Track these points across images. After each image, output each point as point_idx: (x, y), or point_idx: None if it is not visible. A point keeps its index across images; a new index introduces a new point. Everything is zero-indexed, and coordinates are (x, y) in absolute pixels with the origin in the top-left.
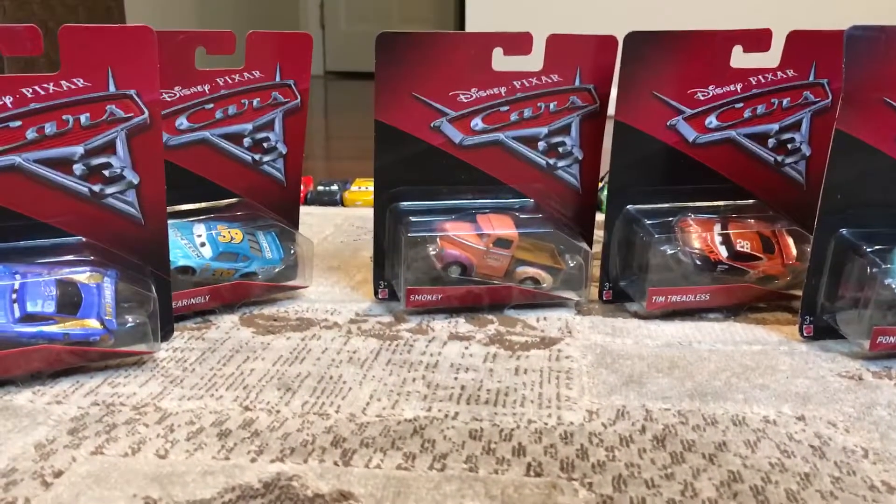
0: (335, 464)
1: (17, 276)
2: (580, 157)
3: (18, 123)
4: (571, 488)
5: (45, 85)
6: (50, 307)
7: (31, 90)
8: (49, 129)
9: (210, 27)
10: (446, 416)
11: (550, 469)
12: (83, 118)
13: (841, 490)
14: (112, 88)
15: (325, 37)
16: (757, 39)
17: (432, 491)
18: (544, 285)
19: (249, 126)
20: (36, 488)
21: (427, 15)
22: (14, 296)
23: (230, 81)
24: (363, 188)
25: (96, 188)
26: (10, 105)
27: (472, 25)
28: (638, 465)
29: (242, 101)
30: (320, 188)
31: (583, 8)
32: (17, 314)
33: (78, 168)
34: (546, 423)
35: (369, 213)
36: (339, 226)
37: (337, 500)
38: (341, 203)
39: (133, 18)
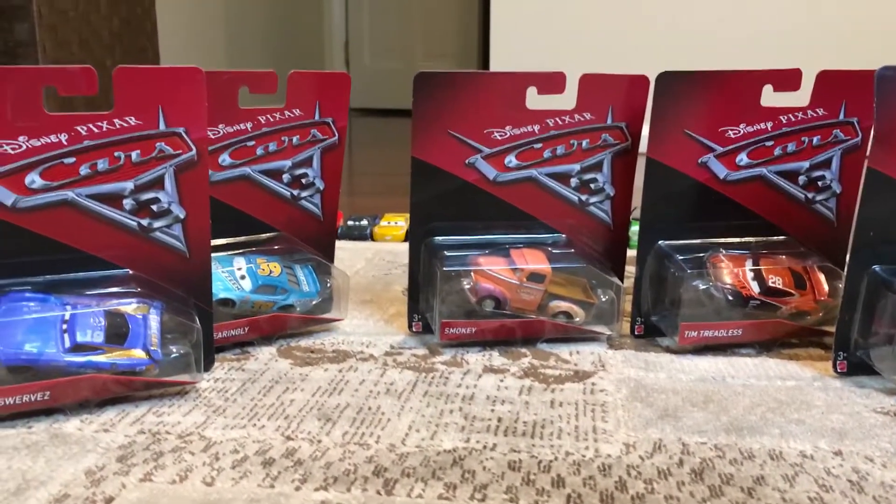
0: (378, 493)
1: (68, 308)
2: (612, 194)
3: (73, 160)
4: None
5: (99, 123)
6: (99, 338)
7: (85, 128)
8: (101, 165)
9: (238, 64)
10: (485, 447)
11: (590, 501)
12: (134, 155)
13: None
14: (162, 126)
15: (350, 74)
16: (787, 79)
17: None
18: (577, 319)
19: (289, 162)
20: None
21: (451, 51)
22: (65, 326)
23: (271, 119)
24: (392, 223)
25: (144, 222)
26: (65, 142)
27: (496, 62)
28: (677, 498)
29: (283, 138)
30: (350, 223)
31: (605, 46)
32: (68, 344)
33: (128, 203)
34: (584, 456)
35: (399, 247)
36: (370, 260)
37: None
38: (371, 238)
39: (167, 57)
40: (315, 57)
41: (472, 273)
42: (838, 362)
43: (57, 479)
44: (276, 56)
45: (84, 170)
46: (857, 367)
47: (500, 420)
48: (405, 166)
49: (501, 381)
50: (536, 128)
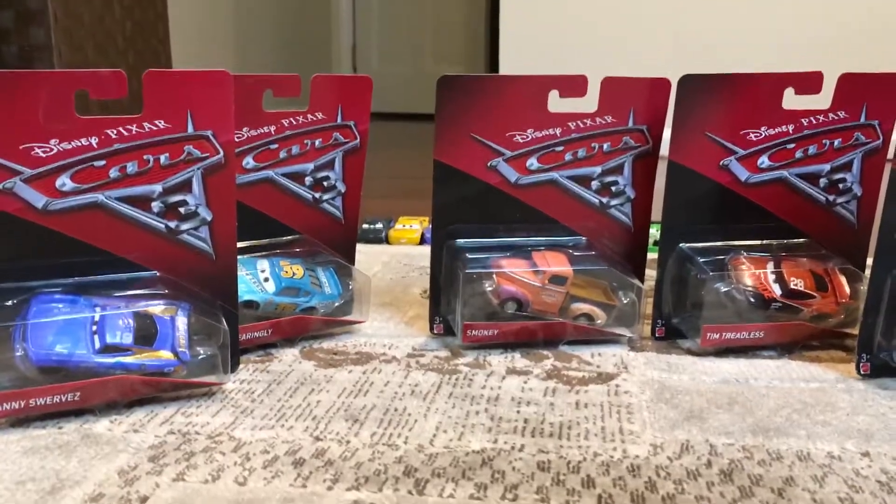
0: (409, 493)
1: (97, 309)
2: (632, 196)
3: (103, 163)
4: None
5: (129, 126)
6: (128, 339)
7: (115, 131)
8: (131, 168)
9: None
10: (513, 447)
11: (621, 501)
12: (163, 158)
13: None
14: (190, 129)
15: None
16: (808, 82)
17: None
18: (598, 322)
19: (311, 165)
20: None
21: (459, 55)
22: (94, 328)
23: (294, 123)
24: (407, 226)
25: (172, 224)
26: (95, 145)
27: (505, 66)
28: (708, 499)
29: (305, 141)
30: (365, 226)
31: (616, 51)
32: (98, 345)
33: (156, 205)
34: (612, 456)
35: (415, 250)
36: (387, 263)
37: None
38: (386, 241)
39: (178, 61)
40: (322, 61)
41: (494, 275)
42: (861, 364)
43: (91, 479)
44: (283, 60)
45: (114, 172)
46: (880, 369)
47: (526, 421)
48: (417, 169)
49: (525, 382)
50: (558, 131)
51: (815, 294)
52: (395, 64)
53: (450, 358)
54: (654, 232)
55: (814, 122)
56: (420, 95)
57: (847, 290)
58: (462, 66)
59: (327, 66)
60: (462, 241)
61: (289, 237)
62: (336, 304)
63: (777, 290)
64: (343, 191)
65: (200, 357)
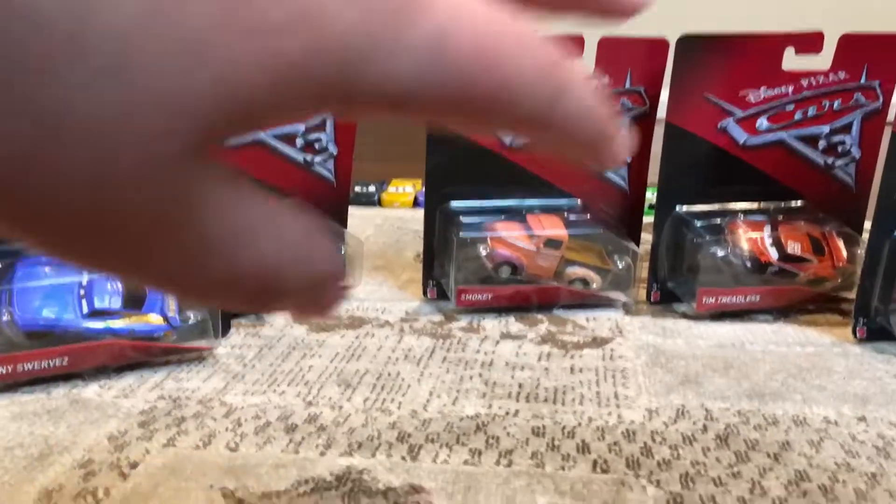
0: (403, 458)
1: (85, 273)
2: (629, 159)
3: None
4: (640, 485)
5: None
6: (116, 303)
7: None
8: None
9: None
10: (507, 413)
11: (616, 466)
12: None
13: None
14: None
15: None
16: (809, 41)
17: (502, 486)
18: (593, 286)
19: (301, 127)
20: (114, 479)
21: None
22: (82, 291)
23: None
24: (400, 189)
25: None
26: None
27: None
28: (704, 464)
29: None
30: (357, 189)
31: None
32: (86, 310)
33: None
34: (607, 422)
35: (408, 213)
36: (380, 226)
37: (409, 493)
38: (379, 204)
39: None
40: None
41: (488, 239)
42: (858, 328)
43: (80, 445)
44: None
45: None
46: (876, 333)
47: (520, 386)
48: (405, 133)
49: (520, 347)
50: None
51: (811, 258)
52: None
53: (443, 322)
54: (650, 195)
55: (813, 83)
56: None
57: (844, 253)
58: None
59: None
60: (456, 203)
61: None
62: None
63: (774, 254)
64: (335, 153)
65: (191, 321)
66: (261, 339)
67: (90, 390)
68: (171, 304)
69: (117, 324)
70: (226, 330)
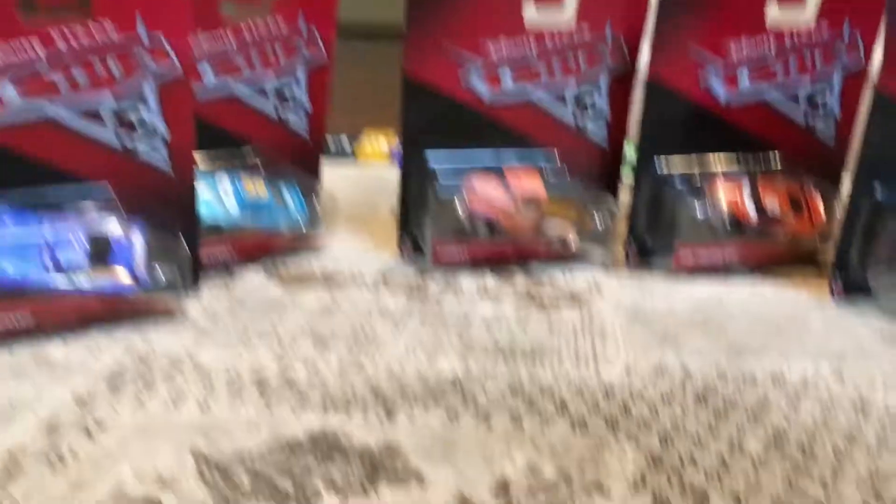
0: (378, 417)
1: (48, 228)
2: (608, 115)
3: (48, 70)
4: (618, 445)
5: (76, 28)
6: (81, 259)
7: (60, 37)
8: (79, 77)
9: None
10: (485, 372)
11: (595, 425)
12: (112, 65)
13: (886, 446)
14: (143, 34)
15: None
16: None
17: (480, 445)
18: (571, 243)
19: (274, 78)
20: (81, 439)
21: None
22: (46, 247)
23: (255, 29)
24: (374, 142)
25: (126, 138)
26: (41, 53)
27: None
28: (682, 422)
29: (267, 51)
30: (330, 141)
31: None
32: (51, 266)
33: (108, 118)
34: (586, 380)
35: (383, 167)
36: (354, 180)
37: (385, 452)
38: (353, 157)
39: None
40: None
41: (466, 196)
42: (835, 285)
43: (46, 404)
44: None
45: (61, 82)
46: (853, 290)
47: (497, 344)
48: (378, 85)
49: (497, 305)
50: (533, 43)
51: (790, 215)
52: None
53: (420, 279)
54: (629, 152)
55: (796, 37)
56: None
57: (822, 211)
58: None
59: None
60: (432, 158)
61: (247, 148)
62: (301, 223)
63: (752, 212)
64: (308, 107)
65: (159, 278)
66: (231, 295)
67: (56, 349)
68: (139, 261)
69: (82, 280)
70: (196, 287)
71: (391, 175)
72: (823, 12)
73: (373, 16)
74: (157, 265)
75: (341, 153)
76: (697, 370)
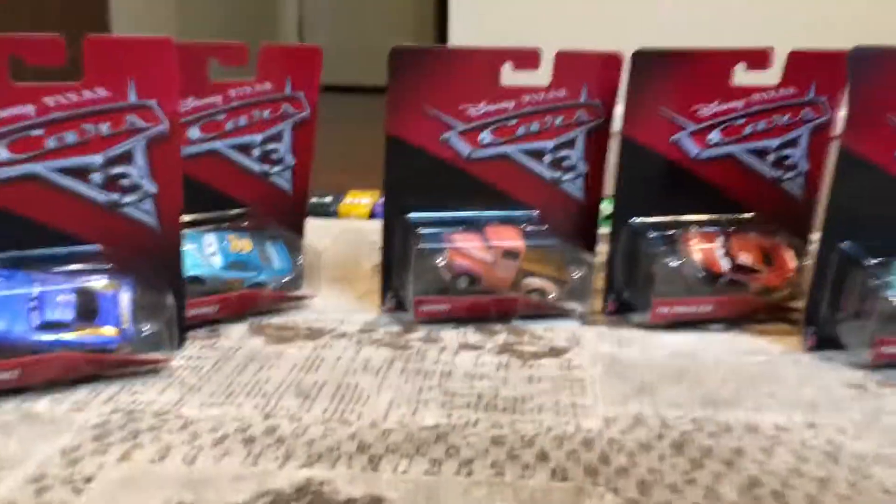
0: (363, 469)
1: (36, 285)
2: (585, 171)
3: (40, 132)
4: (598, 492)
5: (68, 94)
6: (68, 315)
7: (53, 100)
8: (70, 138)
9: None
10: (467, 423)
11: (575, 474)
12: (104, 128)
13: (858, 493)
14: (133, 99)
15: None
16: (759, 58)
17: (462, 495)
18: (550, 296)
19: (259, 137)
20: (68, 494)
21: (408, 27)
22: (33, 304)
23: (242, 93)
24: (357, 200)
25: (115, 197)
26: (32, 114)
27: (454, 38)
28: (660, 471)
29: (253, 112)
30: (314, 200)
31: (566, 23)
32: (36, 322)
33: (97, 177)
34: (565, 430)
35: (365, 224)
36: (337, 237)
37: (370, 503)
38: (336, 215)
39: (118, 23)
40: (267, 31)
41: (446, 250)
42: (808, 338)
43: (32, 459)
44: (227, 28)
45: (51, 143)
46: (825, 342)
47: (479, 396)
48: (365, 143)
49: (478, 357)
50: (511, 104)
51: (762, 268)
52: (342, 35)
53: (402, 333)
54: (606, 206)
55: (763, 97)
56: (368, 68)
57: (792, 264)
58: (410, 37)
59: (273, 34)
60: (414, 215)
61: (236, 210)
62: (285, 279)
63: (725, 265)
64: (292, 164)
65: (145, 333)
66: (217, 350)
67: (42, 404)
68: (125, 316)
69: (69, 336)
70: (181, 342)
71: (373, 231)
72: (789, 75)
73: (355, 80)
74: (143, 321)
75: (325, 211)
76: (674, 420)
